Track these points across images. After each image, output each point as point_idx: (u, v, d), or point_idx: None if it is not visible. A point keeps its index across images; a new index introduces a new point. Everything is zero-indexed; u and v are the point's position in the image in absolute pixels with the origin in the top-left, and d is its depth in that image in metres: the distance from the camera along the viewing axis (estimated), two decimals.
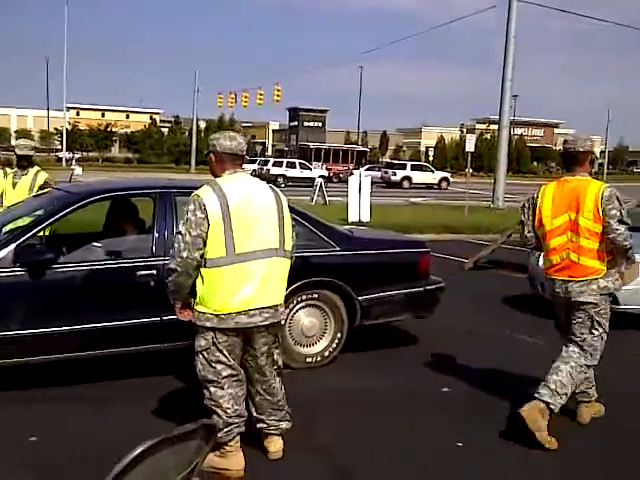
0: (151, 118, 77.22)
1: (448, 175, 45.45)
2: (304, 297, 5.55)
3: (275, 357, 3.86)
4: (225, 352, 3.63)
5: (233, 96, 47.77)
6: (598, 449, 4.29)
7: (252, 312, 3.59)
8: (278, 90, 42.06)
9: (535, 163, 78.09)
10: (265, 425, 3.90)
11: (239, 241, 3.54)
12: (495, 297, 8.89)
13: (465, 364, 6.02)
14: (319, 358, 5.64)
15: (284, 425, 3.93)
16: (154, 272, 4.90)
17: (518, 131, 75.41)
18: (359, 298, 5.72)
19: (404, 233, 13.48)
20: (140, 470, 1.68)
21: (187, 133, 64.11)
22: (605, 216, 4.18)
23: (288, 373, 5.32)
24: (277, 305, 3.71)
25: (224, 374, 3.65)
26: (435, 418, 4.69)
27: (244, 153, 3.79)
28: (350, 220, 16.45)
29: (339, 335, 5.68)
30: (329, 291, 5.64)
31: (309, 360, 5.60)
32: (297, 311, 5.57)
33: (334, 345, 5.68)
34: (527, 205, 4.56)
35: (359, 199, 17.33)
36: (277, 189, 3.90)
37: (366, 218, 16.95)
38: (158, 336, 5.00)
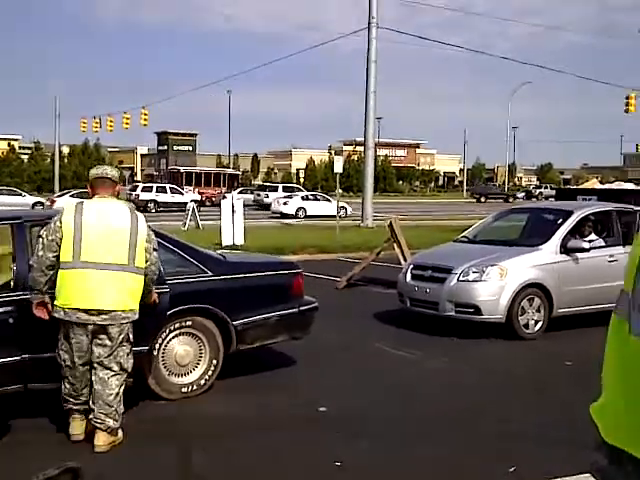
0: (9, 145, 72.74)
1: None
2: (177, 325, 5.43)
3: (118, 358, 4.44)
4: (70, 346, 4.41)
5: (98, 120, 46.28)
6: None
7: (92, 312, 4.32)
8: (145, 114, 41.23)
9: (400, 182, 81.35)
10: (92, 416, 4.40)
11: (85, 251, 4.31)
12: (367, 313, 9.15)
13: (341, 382, 6.14)
14: (195, 387, 5.53)
15: (110, 423, 4.38)
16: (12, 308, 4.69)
17: (383, 152, 78.30)
18: (234, 323, 5.68)
19: (278, 254, 13.60)
20: None
21: (49, 159, 61.01)
22: None
23: (164, 404, 5.22)
24: (115, 311, 4.36)
25: (67, 363, 4.48)
26: (312, 439, 4.73)
27: (109, 177, 4.56)
28: (224, 244, 16.35)
29: (215, 362, 5.60)
30: (203, 317, 5.56)
31: (185, 390, 5.47)
32: (170, 340, 5.44)
33: (210, 372, 5.59)
34: None
35: (232, 222, 17.26)
36: (137, 212, 4.60)
37: (240, 241, 16.91)
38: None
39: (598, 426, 1.40)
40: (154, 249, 4.59)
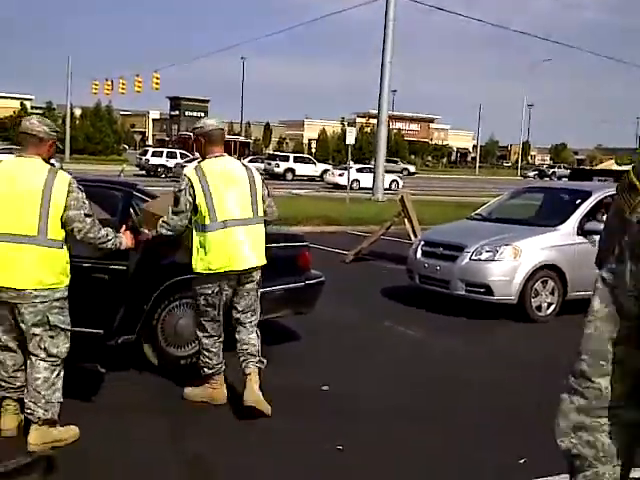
0: (21, 104, 72.41)
1: (330, 167, 45.95)
2: (176, 296, 5.24)
3: (42, 343, 3.81)
4: None
5: (110, 82, 45.84)
6: None
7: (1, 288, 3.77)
8: (157, 77, 40.80)
9: (413, 157, 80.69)
10: (25, 406, 3.86)
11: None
12: (375, 289, 8.94)
13: (346, 360, 5.95)
14: (195, 359, 5.34)
15: (40, 413, 3.78)
16: None
17: (397, 125, 77.58)
18: None
19: (286, 225, 13.38)
20: None
21: (61, 120, 60.70)
22: None
23: (149, 378, 5.04)
24: (25, 289, 3.75)
25: None
26: (314, 420, 4.54)
27: (33, 133, 3.83)
28: None
29: None
30: None
31: (183, 362, 5.30)
32: (170, 311, 5.25)
33: None
34: None
35: None
36: (60, 174, 3.82)
37: None
38: None
39: None
40: (86, 215, 3.84)
